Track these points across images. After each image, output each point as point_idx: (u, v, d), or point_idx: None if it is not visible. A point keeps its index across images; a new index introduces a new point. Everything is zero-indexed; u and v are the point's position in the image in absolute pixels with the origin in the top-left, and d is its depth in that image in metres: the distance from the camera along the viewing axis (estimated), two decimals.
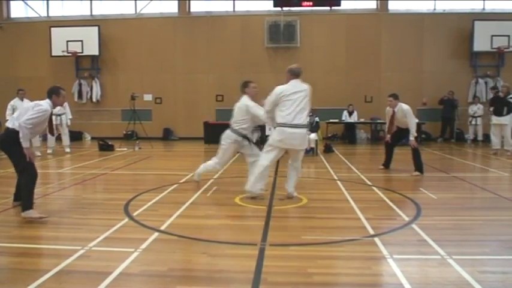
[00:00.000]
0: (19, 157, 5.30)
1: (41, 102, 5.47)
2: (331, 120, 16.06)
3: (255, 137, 13.43)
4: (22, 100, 12.04)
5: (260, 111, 6.81)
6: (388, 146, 9.72)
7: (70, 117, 13.02)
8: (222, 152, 7.41)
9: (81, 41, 16.93)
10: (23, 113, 5.41)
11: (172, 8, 17.77)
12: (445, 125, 16.52)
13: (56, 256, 4.05)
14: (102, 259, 4.01)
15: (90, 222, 5.29)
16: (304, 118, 6.25)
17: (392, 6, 17.27)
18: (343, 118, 16.20)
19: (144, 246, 4.35)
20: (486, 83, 16.43)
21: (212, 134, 14.90)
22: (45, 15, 18.28)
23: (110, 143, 13.73)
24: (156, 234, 4.77)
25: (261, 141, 13.60)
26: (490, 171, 9.54)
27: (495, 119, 12.08)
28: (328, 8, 16.97)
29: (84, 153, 13.04)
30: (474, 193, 7.19)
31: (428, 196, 6.73)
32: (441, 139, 16.42)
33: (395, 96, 9.32)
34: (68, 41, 16.84)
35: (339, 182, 7.99)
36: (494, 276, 3.68)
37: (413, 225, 5.09)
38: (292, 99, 6.13)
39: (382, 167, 9.68)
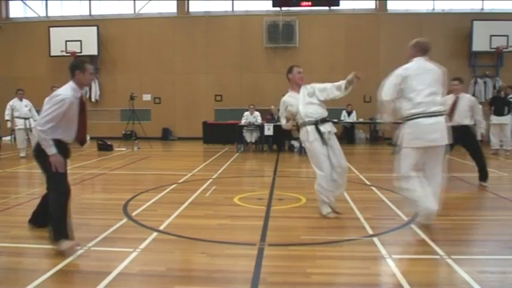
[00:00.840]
0: (46, 168, 4.31)
1: (60, 90, 4.40)
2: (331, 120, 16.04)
3: (254, 137, 13.54)
4: (21, 100, 11.98)
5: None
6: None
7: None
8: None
9: (80, 41, 16.93)
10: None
11: (171, 8, 17.78)
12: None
13: (55, 256, 4.04)
14: (101, 259, 4.01)
15: (89, 222, 5.28)
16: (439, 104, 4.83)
17: (391, 6, 17.28)
18: (342, 118, 16.20)
19: (143, 246, 4.35)
20: (485, 82, 16.44)
21: (211, 134, 14.95)
22: (44, 15, 18.28)
23: (108, 143, 13.72)
24: (154, 234, 4.77)
25: (260, 141, 13.70)
26: (489, 171, 9.53)
27: (495, 119, 12.10)
28: (327, 8, 16.98)
29: (82, 153, 13.02)
30: (473, 193, 7.19)
31: None
32: None
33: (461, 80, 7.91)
34: (66, 41, 16.85)
35: None
36: (493, 276, 3.68)
37: (412, 225, 5.09)
38: (423, 79, 4.84)
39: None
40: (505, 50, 16.00)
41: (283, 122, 5.95)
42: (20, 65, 17.76)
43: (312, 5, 16.72)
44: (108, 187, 7.87)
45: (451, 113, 7.51)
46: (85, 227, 5.07)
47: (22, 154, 11.86)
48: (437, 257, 4.07)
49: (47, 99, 4.33)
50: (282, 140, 13.73)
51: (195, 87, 17.45)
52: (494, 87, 15.54)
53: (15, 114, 11.87)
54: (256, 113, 13.98)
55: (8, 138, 15.36)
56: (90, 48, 17.05)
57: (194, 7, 17.90)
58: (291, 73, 5.90)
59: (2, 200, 6.39)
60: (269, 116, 14.03)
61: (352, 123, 16.24)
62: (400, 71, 4.97)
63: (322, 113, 5.74)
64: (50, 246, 4.36)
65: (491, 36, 16.01)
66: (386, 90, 4.95)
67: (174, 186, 7.68)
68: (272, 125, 13.18)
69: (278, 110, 6.07)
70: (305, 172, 9.29)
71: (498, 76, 16.45)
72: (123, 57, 17.60)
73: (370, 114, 16.41)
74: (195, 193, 6.94)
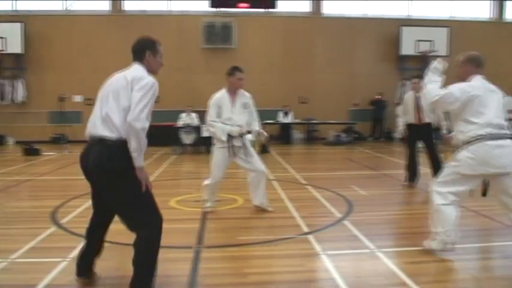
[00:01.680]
0: (132, 191, 3.11)
1: (134, 71, 3.34)
2: (267, 121, 16.22)
3: (191, 138, 13.38)
4: None
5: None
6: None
7: None
8: None
9: (4, 38, 15.94)
10: (113, 107, 3.16)
11: (104, 5, 17.22)
12: (375, 125, 17.23)
13: None
14: (26, 271, 3.78)
15: (13, 233, 4.97)
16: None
17: (326, 10, 17.74)
18: (279, 119, 16.42)
19: (73, 255, 4.14)
20: None
21: (148, 135, 14.59)
22: None
23: (35, 147, 13.02)
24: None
25: (197, 143, 13.58)
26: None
27: None
28: (264, 10, 17.16)
29: (6, 159, 12.30)
30: (401, 189, 7.52)
31: (359, 193, 6.96)
32: (371, 138, 17.10)
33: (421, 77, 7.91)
34: None
35: (274, 182, 8.07)
36: (419, 266, 3.89)
37: (345, 222, 5.25)
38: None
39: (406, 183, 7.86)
40: (429, 54, 16.89)
41: (218, 124, 5.83)
42: None
43: (249, 7, 16.84)
44: (36, 194, 7.47)
45: (417, 111, 7.53)
46: (9, 237, 4.78)
47: None
48: (368, 251, 4.24)
49: (122, 81, 3.22)
50: None
51: None
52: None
53: None
54: (193, 115, 13.86)
55: None
56: (15, 45, 16.06)
57: (129, 5, 17.44)
58: (232, 76, 5.84)
59: None
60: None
61: (289, 124, 16.50)
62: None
63: (246, 126, 5.88)
64: None
65: (417, 41, 16.90)
66: None
67: None
68: None
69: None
70: (241, 173, 9.30)
71: (424, 79, 17.33)
72: (52, 56, 16.76)
73: (306, 114, 16.78)
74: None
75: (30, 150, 12.80)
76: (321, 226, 5.10)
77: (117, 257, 4.24)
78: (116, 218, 3.35)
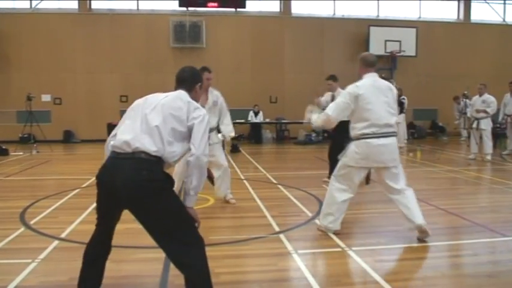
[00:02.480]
0: (179, 213, 2.86)
1: (186, 101, 2.95)
2: (237, 121, 16.26)
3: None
4: None
5: None
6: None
7: None
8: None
9: None
10: (163, 124, 2.80)
11: (72, 4, 16.91)
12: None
13: None
14: None
15: None
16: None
17: (295, 10, 17.89)
18: (249, 118, 16.48)
19: (42, 256, 4.11)
20: None
21: None
22: None
23: (3, 147, 12.72)
24: (56, 242, 4.53)
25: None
26: None
27: None
28: (233, 9, 17.18)
29: None
30: (371, 187, 7.65)
31: None
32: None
33: (334, 78, 8.30)
34: None
35: (245, 181, 8.12)
36: (389, 264, 3.99)
37: (317, 221, 5.32)
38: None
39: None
40: (398, 54, 17.27)
41: None
42: None
43: (219, 6, 16.83)
44: (3, 194, 7.30)
45: None
46: None
47: None
48: (339, 249, 4.32)
49: (175, 103, 2.91)
50: None
51: (98, 87, 16.75)
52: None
53: None
54: None
55: None
56: None
57: (97, 4, 17.18)
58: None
59: None
60: None
61: (260, 123, 16.58)
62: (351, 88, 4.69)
63: (214, 124, 6.12)
64: None
65: (386, 41, 17.22)
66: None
67: (77, 191, 7.33)
68: None
69: None
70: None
71: (393, 78, 17.68)
72: (19, 54, 16.38)
73: (276, 114, 16.90)
74: None
75: None
76: (292, 225, 5.17)
77: (114, 257, 4.20)
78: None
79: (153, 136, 2.76)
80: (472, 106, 11.35)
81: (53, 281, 3.58)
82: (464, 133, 15.47)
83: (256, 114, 16.54)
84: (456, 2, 18.92)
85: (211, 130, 5.83)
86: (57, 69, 16.59)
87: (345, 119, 4.67)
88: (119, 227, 5.23)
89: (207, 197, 6.69)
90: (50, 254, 4.19)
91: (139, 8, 17.32)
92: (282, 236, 4.74)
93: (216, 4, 16.72)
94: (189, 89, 3.14)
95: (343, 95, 4.62)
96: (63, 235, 4.77)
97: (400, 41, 17.21)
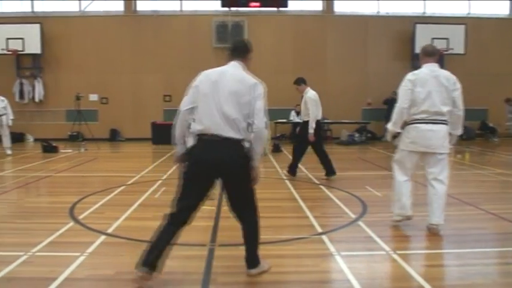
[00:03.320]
0: (247, 183, 3.57)
1: (242, 73, 3.60)
2: (279, 120, 16.25)
3: None
4: None
5: None
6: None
7: (12, 117, 12.45)
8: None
9: (22, 38, 16.19)
10: (238, 112, 3.41)
11: (118, 6, 17.38)
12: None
13: None
14: (46, 264, 3.87)
15: (33, 227, 5.09)
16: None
17: (338, 8, 17.68)
18: (291, 118, 16.42)
19: (90, 250, 4.24)
20: None
21: (160, 134, 14.73)
22: None
23: (53, 145, 13.23)
24: (102, 237, 4.66)
25: None
26: None
27: None
28: (275, 8, 17.16)
29: (26, 155, 12.51)
30: (417, 190, 7.44)
31: (373, 194, 6.94)
32: (385, 138, 16.96)
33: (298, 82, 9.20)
34: (7, 39, 16.05)
35: (287, 181, 8.09)
36: (436, 270, 3.86)
37: (360, 222, 5.24)
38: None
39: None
40: (445, 52, 16.73)
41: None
42: None
43: (261, 6, 16.85)
44: (54, 190, 7.60)
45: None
46: (29, 231, 4.90)
47: None
48: (384, 252, 4.22)
49: (249, 81, 3.48)
50: None
51: (143, 87, 17.13)
52: None
53: None
54: None
55: None
56: (33, 46, 16.34)
57: (142, 6, 17.58)
58: None
59: None
60: None
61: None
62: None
63: None
64: None
65: (433, 39, 16.69)
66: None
67: (122, 188, 7.53)
68: None
69: None
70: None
71: None
72: (68, 56, 17.00)
73: None
74: (144, 195, 6.83)
75: (49, 147, 13.02)
76: (335, 226, 5.11)
77: (132, 252, 4.30)
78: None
79: (233, 127, 3.40)
80: None
81: (100, 275, 3.68)
82: None
83: (298, 114, 16.44)
84: None
85: None
86: (104, 69, 17.10)
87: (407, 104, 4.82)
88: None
89: None
90: (97, 248, 4.32)
91: (183, 8, 17.59)
92: (324, 237, 4.69)
93: (258, 4, 16.75)
94: (243, 59, 3.69)
95: (404, 82, 4.86)
96: (109, 230, 4.91)
97: (447, 39, 16.66)
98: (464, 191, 7.22)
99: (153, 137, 15.21)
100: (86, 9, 17.26)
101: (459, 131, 4.98)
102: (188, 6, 17.56)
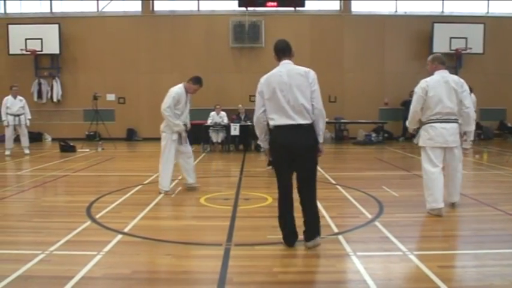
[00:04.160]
0: (314, 163, 4.29)
1: (293, 65, 4.38)
2: None
3: (220, 137, 13.49)
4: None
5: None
6: None
7: (29, 117, 12.66)
8: None
9: (41, 39, 16.43)
10: (304, 100, 4.12)
11: (136, 6, 17.52)
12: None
13: (15, 261, 3.91)
14: (64, 263, 3.91)
15: (50, 226, 5.15)
16: None
17: (355, 7, 17.57)
18: None
19: (107, 249, 4.27)
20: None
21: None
22: (3, 12, 17.67)
23: (71, 144, 13.39)
24: (119, 236, 4.69)
25: (226, 142, 13.67)
26: None
27: None
28: (292, 8, 17.12)
29: (44, 155, 12.69)
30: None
31: (390, 194, 6.87)
32: (403, 138, 16.80)
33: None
34: (26, 39, 16.32)
35: None
36: (454, 271, 3.80)
37: (376, 223, 5.19)
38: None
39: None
40: (463, 51, 16.52)
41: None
42: None
43: (278, 6, 16.82)
44: (71, 189, 7.69)
45: None
46: (47, 230, 4.95)
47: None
48: (400, 253, 4.17)
49: (301, 80, 4.18)
50: (249, 140, 13.76)
51: (160, 87, 17.11)
52: None
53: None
54: (223, 113, 13.95)
55: None
56: (52, 46, 16.58)
57: (159, 6, 17.70)
58: (195, 85, 7.25)
59: None
60: (234, 116, 14.03)
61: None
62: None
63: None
64: (9, 252, 4.23)
65: (451, 38, 16.52)
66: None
67: (139, 187, 7.58)
68: (238, 125, 13.18)
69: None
70: (270, 172, 9.33)
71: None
72: (86, 56, 17.20)
73: (335, 113, 16.64)
74: (161, 194, 6.87)
75: (67, 147, 13.19)
76: (351, 227, 5.07)
77: (148, 252, 4.33)
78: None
79: (303, 114, 4.12)
80: None
81: (117, 274, 3.70)
82: None
83: None
84: None
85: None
86: (121, 69, 17.25)
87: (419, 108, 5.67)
88: (177, 223, 5.40)
89: (265, 196, 6.71)
90: (113, 247, 4.35)
91: (200, 8, 17.65)
92: (340, 237, 4.66)
93: (275, 4, 16.72)
94: (290, 57, 4.41)
95: (417, 89, 5.64)
96: (126, 229, 4.94)
97: (466, 38, 16.44)
98: (483, 192, 7.12)
99: None
100: (104, 10, 17.44)
101: (472, 127, 5.73)
102: (205, 6, 17.62)
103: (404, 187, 7.57)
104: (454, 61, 17.01)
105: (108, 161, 11.28)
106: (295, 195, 4.31)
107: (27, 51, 16.29)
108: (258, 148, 13.42)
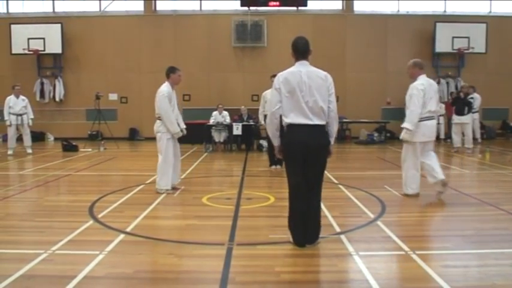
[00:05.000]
0: (323, 164, 4.39)
1: (312, 68, 4.60)
2: None
3: (222, 136, 13.49)
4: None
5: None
6: None
7: (32, 117, 12.67)
8: None
9: (43, 38, 16.47)
10: (321, 101, 4.27)
11: (138, 6, 17.53)
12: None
13: (17, 261, 3.92)
14: (66, 262, 3.92)
15: (53, 225, 5.16)
16: None
17: (358, 7, 17.55)
18: None
19: (109, 248, 4.27)
20: (448, 83, 16.92)
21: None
22: (5, 11, 17.71)
23: (73, 144, 13.41)
24: (121, 236, 4.69)
25: (228, 141, 13.66)
26: (451, 168, 9.83)
27: (456, 119, 12.44)
28: (294, 8, 17.11)
29: (46, 154, 12.71)
30: (435, 190, 7.37)
31: (392, 193, 6.87)
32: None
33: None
34: (29, 39, 16.36)
35: None
36: (456, 270, 3.79)
37: (378, 222, 5.19)
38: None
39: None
40: (466, 51, 16.49)
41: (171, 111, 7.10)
42: None
43: (280, 5, 16.82)
44: (74, 189, 7.70)
45: None
46: (49, 230, 4.96)
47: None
48: (403, 252, 4.17)
49: (320, 82, 4.35)
50: (251, 140, 13.75)
51: None
52: (456, 88, 15.99)
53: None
54: (225, 113, 13.94)
55: None
56: (54, 46, 16.61)
57: (161, 6, 17.72)
58: (174, 74, 7.14)
59: None
60: (236, 116, 14.02)
61: None
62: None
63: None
64: (11, 251, 4.24)
65: (453, 37, 16.49)
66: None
67: (141, 187, 7.58)
68: (241, 124, 13.18)
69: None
70: (273, 171, 9.33)
71: (460, 76, 16.95)
72: (88, 55, 17.22)
73: (337, 113, 16.58)
74: (162, 194, 6.86)
75: (69, 146, 13.20)
76: (353, 226, 5.06)
77: (150, 251, 4.33)
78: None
79: (320, 115, 4.24)
80: None
81: (119, 273, 3.71)
82: None
83: None
84: None
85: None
86: (123, 69, 17.28)
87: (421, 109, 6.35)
88: (179, 223, 5.41)
89: (268, 195, 6.71)
90: (116, 246, 4.35)
91: (202, 8, 17.66)
92: (342, 236, 4.65)
93: (277, 3, 16.72)
94: (307, 57, 4.60)
95: (417, 92, 6.33)
96: (128, 229, 4.94)
97: (468, 38, 16.41)
98: (485, 191, 7.11)
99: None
100: (106, 9, 17.45)
101: None
102: (208, 6, 17.63)
103: None
104: (457, 61, 17.00)
105: (111, 161, 11.30)
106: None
107: (29, 50, 16.33)
108: (260, 148, 13.42)
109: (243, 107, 14.37)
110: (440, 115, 15.73)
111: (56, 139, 16.69)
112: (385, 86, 17.15)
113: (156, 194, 6.86)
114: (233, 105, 15.16)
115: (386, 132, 16.24)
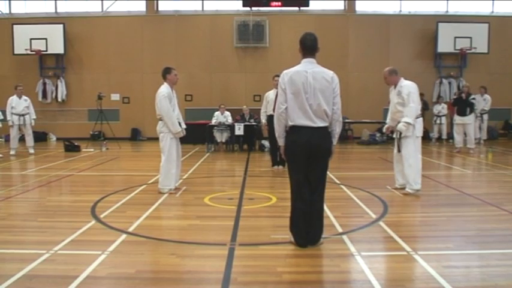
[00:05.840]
0: (326, 167, 4.39)
1: (319, 67, 4.43)
2: None
3: (224, 136, 13.49)
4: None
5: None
6: None
7: (34, 117, 12.69)
8: None
9: (46, 39, 16.50)
10: (325, 104, 4.21)
11: (140, 6, 17.55)
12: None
13: (20, 261, 3.93)
14: (68, 262, 3.92)
15: (55, 225, 5.17)
16: None
17: (360, 7, 17.54)
18: None
19: (111, 248, 4.28)
20: (450, 83, 16.89)
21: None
22: (7, 12, 17.75)
23: (76, 144, 13.43)
24: (123, 236, 4.70)
25: (230, 141, 13.67)
26: (454, 168, 9.82)
27: (458, 119, 12.42)
28: (296, 8, 17.11)
29: (49, 154, 12.73)
30: (438, 190, 7.37)
31: (394, 194, 6.86)
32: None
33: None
34: (31, 39, 16.39)
35: None
36: (458, 271, 3.78)
37: (381, 223, 5.18)
38: None
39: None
40: (468, 51, 16.46)
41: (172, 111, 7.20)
42: None
43: (282, 5, 16.81)
44: (76, 189, 7.71)
45: None
46: (51, 230, 4.97)
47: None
48: (405, 253, 4.16)
49: (324, 84, 4.26)
50: (253, 140, 13.76)
51: None
52: (459, 88, 15.96)
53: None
54: (227, 113, 13.95)
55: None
56: (56, 46, 16.64)
57: (163, 6, 17.73)
58: (170, 74, 7.28)
59: None
60: (238, 117, 14.03)
61: None
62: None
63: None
64: (14, 251, 4.26)
65: (456, 37, 16.46)
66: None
67: (143, 187, 7.59)
68: (243, 124, 13.18)
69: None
70: (276, 171, 9.33)
71: (462, 77, 16.92)
72: (91, 56, 17.25)
73: None
74: (165, 194, 6.87)
75: (71, 146, 13.21)
76: (355, 226, 5.06)
77: (152, 251, 4.33)
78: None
79: (323, 118, 4.23)
80: None
81: (121, 273, 3.71)
82: None
83: None
84: None
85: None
86: (125, 69, 17.29)
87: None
88: (181, 223, 5.41)
89: (270, 196, 6.71)
90: (118, 246, 4.36)
91: (204, 8, 17.66)
92: (344, 237, 4.65)
93: (279, 3, 16.71)
94: (314, 55, 4.49)
95: (415, 90, 6.91)
96: (130, 229, 4.95)
97: (470, 38, 16.38)
98: (487, 192, 7.10)
99: None
100: (108, 10, 17.48)
101: None
102: (210, 6, 17.64)
103: None
104: (459, 61, 16.97)
105: (113, 161, 11.31)
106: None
107: (31, 51, 16.36)
108: (262, 148, 13.42)
109: (245, 107, 14.39)
110: (442, 115, 15.79)
111: (58, 139, 16.72)
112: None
113: (158, 194, 6.87)
114: (235, 106, 15.17)
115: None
